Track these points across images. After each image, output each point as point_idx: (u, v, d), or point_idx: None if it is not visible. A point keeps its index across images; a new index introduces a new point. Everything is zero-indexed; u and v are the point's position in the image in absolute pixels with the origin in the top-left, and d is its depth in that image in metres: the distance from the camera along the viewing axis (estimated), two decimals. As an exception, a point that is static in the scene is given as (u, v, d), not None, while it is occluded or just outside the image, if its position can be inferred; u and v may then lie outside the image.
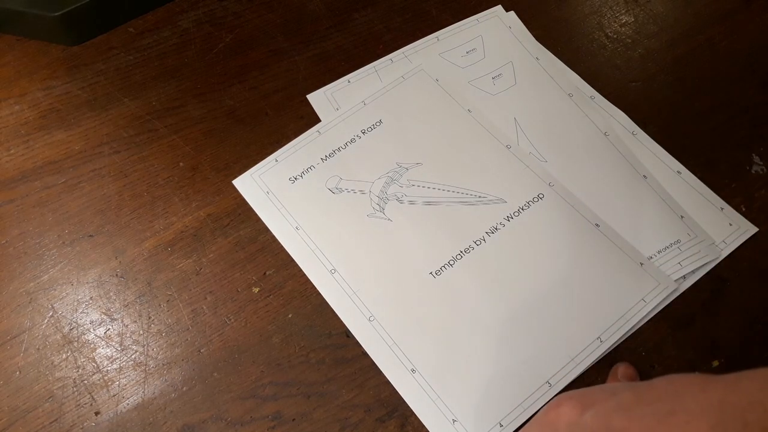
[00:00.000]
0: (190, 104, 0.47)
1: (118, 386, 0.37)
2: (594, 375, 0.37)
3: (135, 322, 0.39)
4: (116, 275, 0.40)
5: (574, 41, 0.51)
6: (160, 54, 0.49)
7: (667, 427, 0.23)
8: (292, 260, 0.41)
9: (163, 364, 0.38)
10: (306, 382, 0.37)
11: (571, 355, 0.36)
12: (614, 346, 0.37)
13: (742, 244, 0.41)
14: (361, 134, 0.45)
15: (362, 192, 0.43)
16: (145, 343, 0.38)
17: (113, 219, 0.42)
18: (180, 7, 0.52)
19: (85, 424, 0.36)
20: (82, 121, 0.46)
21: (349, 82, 0.48)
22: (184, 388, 0.37)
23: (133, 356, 0.38)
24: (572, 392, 0.29)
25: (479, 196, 0.42)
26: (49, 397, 0.36)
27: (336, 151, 0.45)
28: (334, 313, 0.39)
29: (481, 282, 0.39)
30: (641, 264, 0.39)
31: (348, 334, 0.38)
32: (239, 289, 0.40)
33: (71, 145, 0.45)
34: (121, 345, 0.38)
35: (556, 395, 0.30)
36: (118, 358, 0.38)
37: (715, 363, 0.38)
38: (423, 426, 0.35)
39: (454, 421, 0.35)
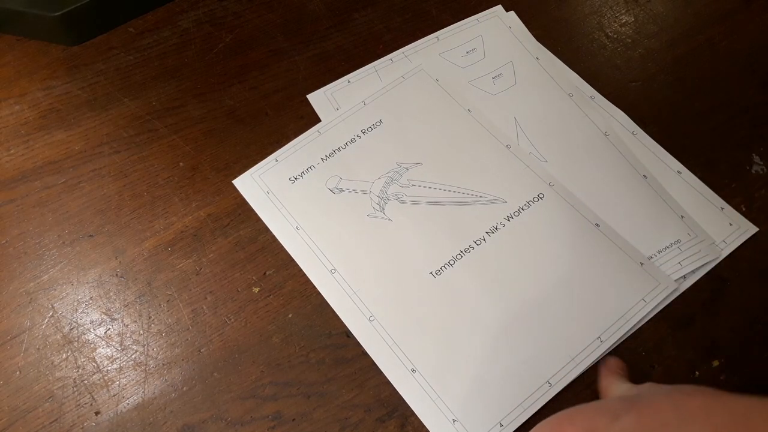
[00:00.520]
0: (190, 104, 0.47)
1: (118, 386, 0.37)
2: (594, 375, 0.37)
3: (135, 322, 0.39)
4: (116, 275, 0.40)
5: (574, 41, 0.51)
6: (160, 54, 0.49)
7: None
8: (292, 260, 0.41)
9: (163, 364, 0.38)
10: (306, 382, 0.37)
11: (571, 355, 0.36)
12: (614, 346, 0.37)
13: (742, 244, 0.41)
14: (361, 134, 0.45)
15: (363, 192, 0.43)
16: (145, 343, 0.38)
17: (113, 219, 0.42)
18: (180, 7, 0.52)
19: (85, 424, 0.36)
20: (82, 121, 0.46)
21: (349, 82, 0.48)
22: (184, 388, 0.37)
23: (133, 356, 0.38)
24: (572, 415, 0.28)
25: (479, 196, 0.42)
26: (49, 397, 0.36)
27: (336, 151, 0.44)
28: (334, 313, 0.39)
29: (481, 282, 0.39)
30: (641, 264, 0.39)
31: (348, 334, 0.38)
32: (239, 289, 0.40)
33: (71, 145, 0.45)
34: (121, 345, 0.38)
35: (552, 414, 0.29)
36: (118, 358, 0.38)
37: (715, 363, 0.38)
38: (423, 426, 0.35)
39: (454, 420, 0.35)
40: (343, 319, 0.39)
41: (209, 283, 0.40)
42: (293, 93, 0.48)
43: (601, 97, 0.47)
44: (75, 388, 0.37)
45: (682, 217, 0.42)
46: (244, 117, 0.47)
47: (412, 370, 0.36)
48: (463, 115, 0.46)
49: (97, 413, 0.36)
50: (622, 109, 0.46)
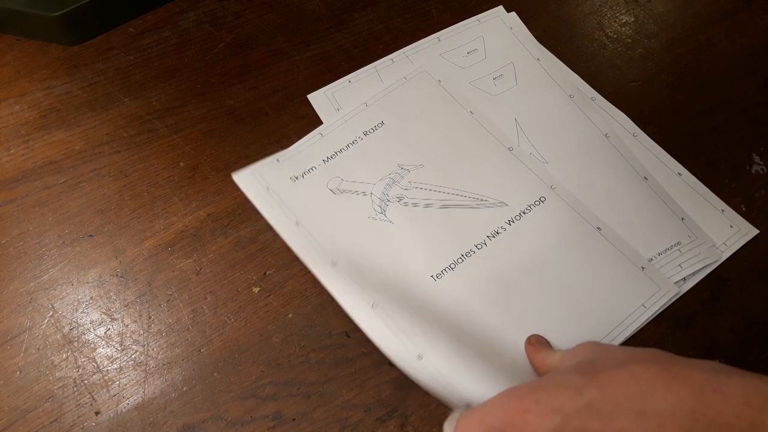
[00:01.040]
0: (190, 104, 0.47)
1: (119, 386, 0.37)
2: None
3: (135, 321, 0.39)
4: (116, 275, 0.40)
5: (574, 41, 0.51)
6: (160, 54, 0.49)
7: (642, 430, 0.24)
8: (292, 260, 0.41)
9: (164, 364, 0.38)
10: (306, 382, 0.37)
11: None
12: None
13: (743, 246, 0.41)
14: (363, 136, 0.45)
15: (364, 194, 0.42)
16: (145, 342, 0.38)
17: (113, 219, 0.42)
18: (180, 7, 0.52)
19: (86, 424, 0.36)
20: (82, 121, 0.46)
21: (350, 82, 0.48)
22: (185, 388, 0.37)
23: (133, 356, 0.38)
24: (533, 392, 0.28)
25: (481, 199, 0.42)
26: (50, 397, 0.36)
27: (338, 153, 0.44)
28: (334, 312, 0.39)
29: (481, 286, 0.39)
30: (643, 268, 0.39)
31: (348, 334, 0.38)
32: (239, 289, 0.40)
33: (71, 145, 0.45)
34: (121, 345, 0.38)
35: (507, 389, 0.29)
36: (118, 357, 0.38)
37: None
38: (423, 426, 0.35)
39: (467, 406, 0.34)
40: (345, 309, 0.38)
41: (209, 283, 0.40)
42: (293, 93, 0.48)
43: (602, 98, 0.47)
44: (75, 388, 0.37)
45: (683, 219, 0.42)
46: (244, 117, 0.47)
47: (419, 357, 0.36)
48: (466, 117, 0.46)
49: (97, 413, 0.36)
50: (622, 109, 0.47)
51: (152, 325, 0.39)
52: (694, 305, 0.39)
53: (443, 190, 0.42)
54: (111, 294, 0.40)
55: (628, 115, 0.46)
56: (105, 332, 0.38)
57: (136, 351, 0.38)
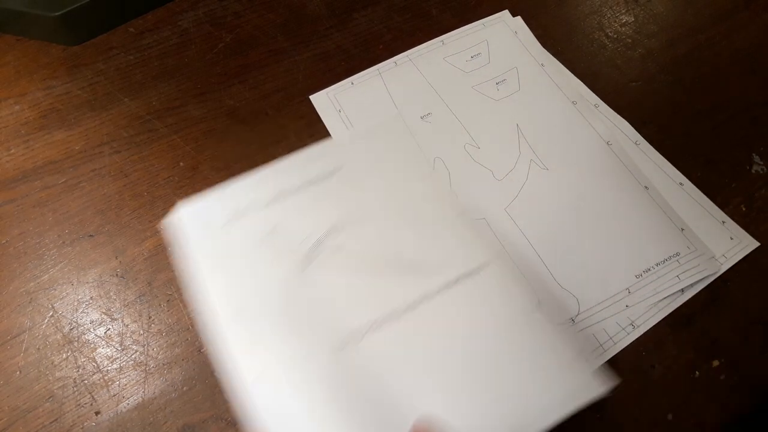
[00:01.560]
0: (190, 104, 0.47)
1: (119, 386, 0.37)
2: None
3: (135, 321, 0.39)
4: (116, 275, 0.40)
5: (575, 41, 0.51)
6: (160, 54, 0.49)
7: None
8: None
9: (164, 364, 0.38)
10: (306, 382, 0.37)
11: None
12: None
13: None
14: (314, 180, 0.41)
15: (296, 245, 0.39)
16: (145, 342, 0.38)
17: (113, 219, 0.42)
18: (180, 7, 0.52)
19: (86, 423, 0.36)
20: (82, 121, 0.46)
21: (352, 83, 0.48)
22: (185, 388, 0.37)
23: (133, 356, 0.38)
24: None
25: (418, 262, 0.38)
26: (50, 397, 0.36)
27: (280, 197, 0.40)
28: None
29: (404, 355, 0.36)
30: (572, 363, 0.35)
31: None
32: (239, 289, 0.40)
33: (71, 145, 0.45)
34: (121, 345, 0.38)
35: None
36: (118, 357, 0.38)
37: (715, 363, 0.38)
38: None
39: None
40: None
41: (209, 283, 0.40)
42: (293, 93, 0.48)
43: (605, 105, 0.47)
44: (75, 388, 0.37)
45: (683, 229, 0.41)
46: (244, 117, 0.47)
47: None
48: (426, 175, 0.43)
49: (97, 413, 0.36)
50: (622, 109, 0.46)
51: (152, 325, 0.39)
52: (694, 305, 0.39)
53: (379, 249, 0.39)
54: (111, 294, 0.40)
55: (628, 115, 0.46)
56: (105, 332, 0.38)
57: (136, 351, 0.38)
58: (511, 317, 0.36)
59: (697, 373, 0.38)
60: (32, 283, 0.40)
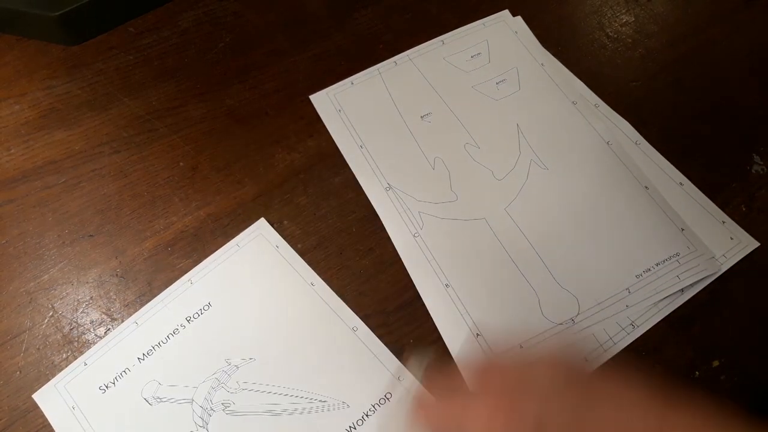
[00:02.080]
0: (190, 104, 0.47)
1: (119, 386, 0.37)
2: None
3: (135, 322, 0.39)
4: (116, 275, 0.40)
5: (575, 41, 0.51)
6: (160, 54, 0.49)
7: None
8: (292, 260, 0.41)
9: (164, 364, 0.38)
10: (306, 382, 0.37)
11: None
12: None
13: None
14: (186, 323, 0.38)
15: (185, 400, 0.36)
16: (145, 343, 0.38)
17: (113, 219, 0.42)
18: (180, 7, 0.52)
19: (86, 424, 0.36)
20: (82, 121, 0.46)
21: (352, 83, 0.48)
22: (185, 388, 0.37)
23: (133, 356, 0.38)
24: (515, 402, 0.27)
25: (319, 401, 0.36)
26: (50, 397, 0.36)
27: (155, 348, 0.37)
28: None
29: None
30: None
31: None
32: (239, 289, 0.40)
33: (71, 145, 0.45)
34: (121, 345, 0.38)
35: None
36: (118, 358, 0.38)
37: (715, 363, 0.38)
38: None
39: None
40: None
41: (209, 283, 0.40)
42: (293, 93, 0.48)
43: (606, 105, 0.47)
44: (75, 388, 0.37)
45: (683, 229, 0.41)
46: (244, 117, 0.47)
47: None
48: (306, 291, 0.39)
49: (97, 413, 0.36)
50: (622, 109, 0.46)
51: (152, 325, 0.39)
52: (694, 305, 0.39)
53: (276, 391, 0.36)
54: (111, 294, 0.40)
55: (628, 115, 0.46)
56: (105, 332, 0.38)
57: (136, 351, 0.38)
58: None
59: (697, 373, 0.38)
60: (32, 283, 0.40)
